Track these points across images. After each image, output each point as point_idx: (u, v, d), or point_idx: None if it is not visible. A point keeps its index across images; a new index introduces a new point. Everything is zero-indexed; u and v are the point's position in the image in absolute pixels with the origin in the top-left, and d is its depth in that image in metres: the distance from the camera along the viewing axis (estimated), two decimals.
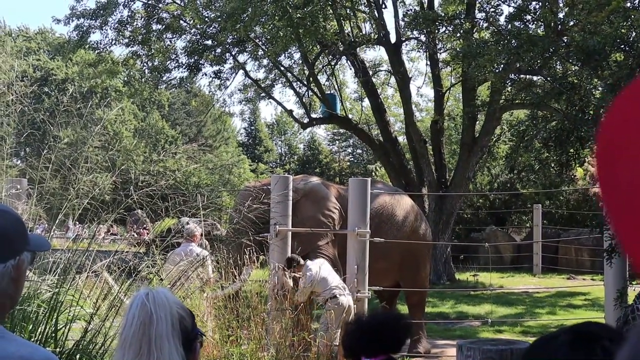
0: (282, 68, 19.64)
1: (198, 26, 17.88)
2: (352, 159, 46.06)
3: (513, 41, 11.64)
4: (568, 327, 1.35)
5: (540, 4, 12.95)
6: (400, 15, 16.96)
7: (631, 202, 0.67)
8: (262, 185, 8.61)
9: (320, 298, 7.50)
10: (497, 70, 12.44)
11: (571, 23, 12.03)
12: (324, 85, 19.84)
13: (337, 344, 7.24)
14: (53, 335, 4.36)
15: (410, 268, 9.61)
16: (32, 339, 4.18)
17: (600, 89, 10.02)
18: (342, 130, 37.33)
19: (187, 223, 7.47)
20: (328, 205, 8.79)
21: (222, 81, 19.90)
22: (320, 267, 7.57)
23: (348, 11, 17.30)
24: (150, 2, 18.27)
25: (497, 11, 14.35)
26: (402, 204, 9.74)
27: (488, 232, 20.99)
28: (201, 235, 8.02)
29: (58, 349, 4.28)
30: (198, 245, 7.99)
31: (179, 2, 18.29)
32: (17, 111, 5.32)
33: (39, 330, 4.34)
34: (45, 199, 5.15)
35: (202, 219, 6.54)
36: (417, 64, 35.87)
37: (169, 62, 18.73)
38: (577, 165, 11.67)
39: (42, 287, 4.53)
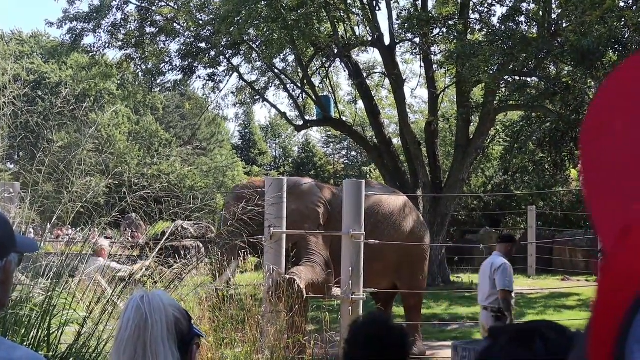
0: (276, 70, 19.62)
1: (192, 29, 17.85)
2: (347, 161, 46.07)
3: (507, 42, 11.65)
4: (512, 326, 1.32)
5: (533, 4, 12.96)
6: (394, 17, 16.98)
7: (606, 183, 0.71)
8: (252, 183, 8.60)
9: None
10: (491, 71, 12.45)
11: (565, 24, 12.04)
12: (318, 87, 19.82)
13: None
14: (46, 339, 4.33)
15: (407, 270, 9.58)
16: (25, 343, 4.15)
17: (594, 89, 10.02)
18: (336, 133, 37.32)
19: (97, 236, 7.07)
20: (312, 199, 8.77)
21: (216, 84, 19.89)
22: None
23: (342, 13, 17.29)
24: (143, 4, 18.23)
25: (490, 12, 14.36)
26: (400, 205, 9.72)
27: (482, 234, 20.99)
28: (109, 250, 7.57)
29: (51, 353, 4.25)
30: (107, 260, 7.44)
31: (172, 5, 18.26)
32: (10, 114, 5.28)
33: (32, 334, 4.30)
34: (38, 202, 5.12)
35: (195, 222, 6.52)
36: (411, 65, 36.00)
37: (162, 64, 18.70)
38: (572, 166, 11.66)
39: (35, 291, 4.49)
